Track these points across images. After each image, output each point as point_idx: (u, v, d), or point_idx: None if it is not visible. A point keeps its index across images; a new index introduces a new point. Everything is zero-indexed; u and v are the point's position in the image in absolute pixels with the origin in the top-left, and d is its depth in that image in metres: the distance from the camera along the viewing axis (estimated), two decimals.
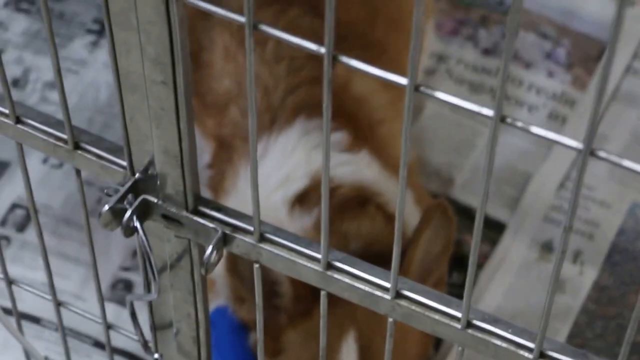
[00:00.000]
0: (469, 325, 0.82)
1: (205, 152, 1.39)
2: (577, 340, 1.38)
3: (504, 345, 0.81)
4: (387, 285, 0.83)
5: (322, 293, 0.85)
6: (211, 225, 0.86)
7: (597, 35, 1.69)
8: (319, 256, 0.84)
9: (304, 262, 0.84)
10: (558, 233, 1.46)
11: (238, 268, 1.15)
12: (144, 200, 0.87)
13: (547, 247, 1.46)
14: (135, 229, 0.86)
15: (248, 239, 0.85)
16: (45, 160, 1.55)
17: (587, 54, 1.68)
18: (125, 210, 0.86)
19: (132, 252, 1.45)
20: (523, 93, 1.63)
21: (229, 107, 1.34)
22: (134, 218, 0.85)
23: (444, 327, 0.83)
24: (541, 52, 1.68)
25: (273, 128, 1.28)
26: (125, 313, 1.36)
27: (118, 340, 1.15)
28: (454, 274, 1.37)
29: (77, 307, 1.07)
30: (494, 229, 1.48)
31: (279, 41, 1.40)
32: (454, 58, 1.67)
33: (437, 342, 1.34)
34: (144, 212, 0.87)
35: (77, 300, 1.41)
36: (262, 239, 0.85)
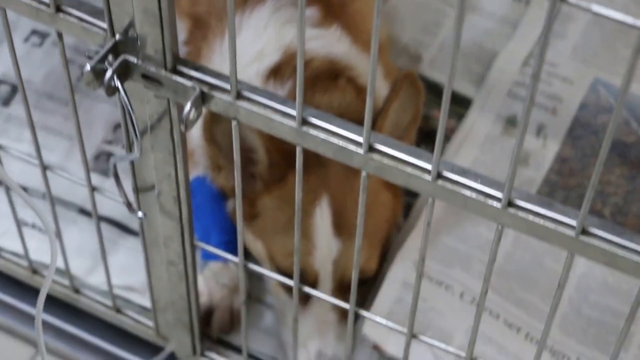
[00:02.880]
0: (439, 176, 0.84)
1: (181, 30, 1.40)
2: None
3: (473, 195, 0.83)
4: (360, 139, 0.86)
5: (298, 149, 0.88)
6: (189, 83, 0.87)
7: None
8: (294, 113, 0.86)
9: (280, 119, 0.87)
10: (521, 108, 1.46)
11: (216, 137, 1.17)
12: (124, 60, 0.88)
13: (511, 122, 1.47)
14: (117, 88, 0.88)
15: (225, 97, 0.87)
16: (26, 39, 1.55)
17: None
18: (106, 71, 0.88)
19: (114, 127, 1.46)
20: None
21: None
22: (115, 77, 0.87)
23: (415, 180, 0.85)
24: None
25: (246, 5, 1.29)
26: (108, 182, 1.38)
27: (102, 207, 1.17)
28: (422, 147, 1.37)
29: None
30: (461, 104, 1.49)
31: None
32: None
33: (406, 211, 1.37)
34: (124, 72, 0.89)
35: (62, 172, 1.42)
36: (239, 96, 0.87)
